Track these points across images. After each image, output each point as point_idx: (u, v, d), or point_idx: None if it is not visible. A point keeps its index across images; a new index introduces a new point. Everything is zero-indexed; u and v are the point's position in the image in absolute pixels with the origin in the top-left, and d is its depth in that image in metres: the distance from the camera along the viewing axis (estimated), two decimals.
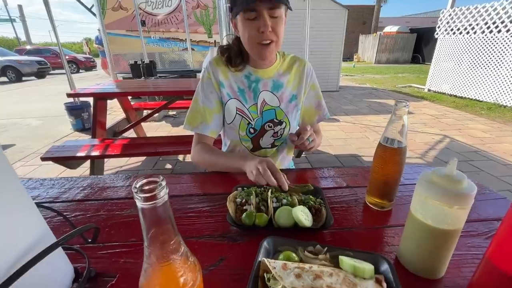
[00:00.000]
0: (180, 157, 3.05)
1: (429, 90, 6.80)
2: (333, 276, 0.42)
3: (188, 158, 3.01)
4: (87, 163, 2.31)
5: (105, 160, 2.64)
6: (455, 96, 6.06)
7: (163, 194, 0.26)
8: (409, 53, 15.58)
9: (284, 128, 0.99)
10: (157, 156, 2.98)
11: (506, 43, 4.99)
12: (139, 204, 0.26)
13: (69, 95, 2.30)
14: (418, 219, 0.45)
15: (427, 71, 6.97)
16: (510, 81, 4.93)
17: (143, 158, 2.97)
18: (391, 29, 16.86)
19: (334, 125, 4.20)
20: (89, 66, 15.55)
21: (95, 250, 0.54)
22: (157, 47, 5.84)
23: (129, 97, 3.18)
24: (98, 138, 2.37)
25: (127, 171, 2.74)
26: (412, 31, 15.81)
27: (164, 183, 0.27)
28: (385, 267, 0.47)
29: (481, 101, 5.46)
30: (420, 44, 15.12)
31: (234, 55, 0.91)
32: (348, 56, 17.37)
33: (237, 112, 0.95)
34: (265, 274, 0.45)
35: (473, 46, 5.64)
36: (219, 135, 1.04)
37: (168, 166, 2.86)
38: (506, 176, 2.53)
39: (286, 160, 1.09)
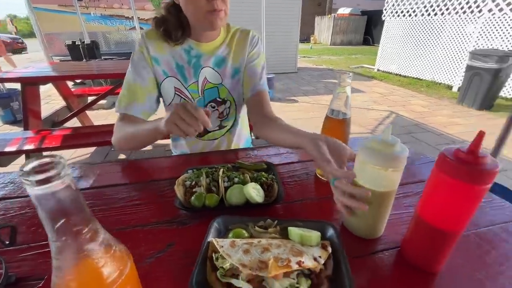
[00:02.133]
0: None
1: (378, 70, 7.29)
2: (281, 247, 0.42)
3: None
4: (22, 159, 2.03)
5: (45, 154, 2.35)
6: (400, 75, 6.59)
7: (63, 174, 0.22)
8: (361, 35, 16.36)
9: (229, 108, 0.92)
10: (108, 147, 2.74)
11: (442, 26, 5.50)
12: (33, 191, 0.21)
13: None
14: (359, 184, 0.47)
15: (377, 52, 7.42)
16: (444, 60, 5.50)
17: (91, 149, 2.71)
18: (344, 11, 17.41)
19: (294, 106, 4.29)
20: (17, 48, 13.38)
21: (16, 253, 0.47)
22: (99, 25, 5.22)
23: (71, 83, 2.83)
24: (32, 129, 2.08)
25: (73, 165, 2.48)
26: (363, 13, 16.55)
27: (62, 161, 0.22)
28: (331, 232, 0.48)
29: (422, 79, 6.03)
30: (370, 26, 15.95)
31: (173, 28, 0.79)
32: (306, 37, 17.61)
33: (176, 92, 0.86)
34: (213, 254, 0.44)
35: (415, 28, 6.10)
36: None
37: (122, 156, 2.66)
38: (440, 145, 2.88)
39: (242, 138, 1.05)
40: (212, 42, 0.85)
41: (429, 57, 5.82)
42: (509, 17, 4.27)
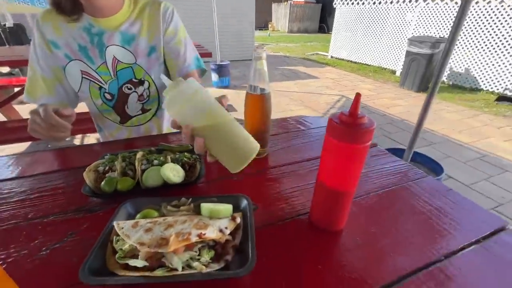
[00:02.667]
0: (78, 138, 2.61)
1: (331, 57, 7.60)
2: (187, 222, 0.42)
3: (91, 138, 2.61)
4: None
5: None
6: (351, 61, 6.97)
7: None
8: (316, 23, 16.82)
9: (148, 88, 0.85)
10: (43, 143, 2.46)
11: (386, 14, 5.89)
12: None
13: None
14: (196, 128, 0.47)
15: (330, 40, 7.72)
16: (388, 47, 5.94)
17: (23, 147, 2.41)
18: None
19: None
20: None
21: None
22: (26, 6, 4.55)
23: None
24: None
25: None
26: (318, 1, 16.97)
27: None
28: (244, 204, 0.49)
29: (370, 65, 6.45)
30: (325, 14, 16.46)
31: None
32: (264, 25, 17.56)
33: (83, 75, 0.78)
34: (114, 237, 0.41)
35: (363, 16, 6.45)
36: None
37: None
38: (382, 124, 3.14)
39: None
40: (113, 17, 0.76)
41: (376, 44, 6.23)
42: (440, 7, 4.73)
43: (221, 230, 0.42)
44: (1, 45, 3.13)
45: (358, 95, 0.36)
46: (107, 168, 0.57)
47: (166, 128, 0.96)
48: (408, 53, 4.43)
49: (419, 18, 5.18)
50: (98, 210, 0.51)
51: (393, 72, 5.77)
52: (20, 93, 2.23)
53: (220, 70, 4.33)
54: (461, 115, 3.46)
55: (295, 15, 16.05)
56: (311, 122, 0.94)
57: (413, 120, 3.05)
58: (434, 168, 1.78)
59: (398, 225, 0.49)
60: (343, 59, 7.24)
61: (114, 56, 0.78)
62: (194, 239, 0.38)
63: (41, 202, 0.53)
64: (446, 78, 4.92)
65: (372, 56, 6.41)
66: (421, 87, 4.44)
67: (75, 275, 0.39)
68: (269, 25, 17.53)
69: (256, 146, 0.49)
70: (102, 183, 0.53)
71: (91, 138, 2.64)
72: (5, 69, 4.07)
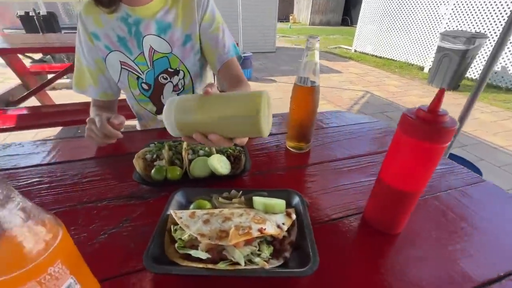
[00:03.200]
0: None
1: (355, 51, 7.34)
2: (243, 215, 0.41)
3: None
4: None
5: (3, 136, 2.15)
6: (376, 56, 6.70)
7: None
8: (340, 15, 16.26)
9: (183, 79, 0.85)
10: (74, 127, 2.56)
11: (416, 7, 5.57)
12: None
13: None
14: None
15: (354, 33, 7.44)
16: (417, 42, 5.64)
17: (55, 131, 2.52)
18: None
19: (272, 85, 4.23)
20: None
21: None
22: None
23: (28, 61, 2.54)
24: None
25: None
26: None
27: None
28: (296, 200, 0.47)
29: (396, 60, 6.18)
30: (349, 7, 15.86)
31: None
32: (285, 17, 17.20)
33: (122, 66, 0.79)
34: (172, 226, 0.41)
35: (391, 9, 6.14)
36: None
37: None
38: None
39: None
40: (148, 5, 0.75)
41: (404, 38, 5.94)
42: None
43: (278, 226, 0.40)
44: (35, 32, 3.25)
45: (441, 91, 0.33)
46: (154, 156, 0.58)
47: None
48: (439, 49, 4.18)
49: (453, 11, 4.87)
50: (148, 197, 0.51)
51: (421, 68, 5.49)
52: (53, 80, 2.31)
53: (243, 62, 4.30)
54: (496, 116, 3.25)
55: (318, 7, 15.59)
56: (349, 118, 0.91)
57: None
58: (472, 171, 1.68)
59: (461, 231, 0.46)
60: (367, 54, 6.97)
61: (151, 46, 0.78)
62: (255, 234, 0.37)
63: (93, 186, 0.54)
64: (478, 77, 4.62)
65: (399, 51, 6.12)
66: (451, 85, 4.20)
67: (135, 260, 0.39)
68: (290, 17, 17.16)
69: (260, 91, 0.41)
70: (153, 171, 0.53)
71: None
72: (37, 56, 4.25)
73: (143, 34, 0.76)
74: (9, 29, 4.51)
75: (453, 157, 1.73)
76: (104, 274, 0.37)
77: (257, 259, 0.36)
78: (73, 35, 3.02)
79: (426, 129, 0.34)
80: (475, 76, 4.68)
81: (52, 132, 2.51)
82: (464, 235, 0.45)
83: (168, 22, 0.78)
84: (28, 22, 3.25)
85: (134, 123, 1.02)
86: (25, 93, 2.27)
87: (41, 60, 4.17)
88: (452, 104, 3.55)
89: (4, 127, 1.58)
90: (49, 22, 3.29)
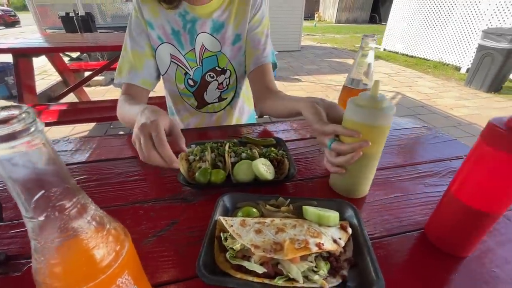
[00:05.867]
0: None
1: (384, 49, 7.03)
2: (297, 227, 0.38)
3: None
4: None
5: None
6: (407, 55, 6.36)
7: (33, 130, 0.16)
8: (367, 13, 15.66)
9: (229, 78, 0.85)
10: (107, 123, 2.68)
11: (453, 4, 5.22)
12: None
13: None
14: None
15: (383, 31, 7.12)
16: (453, 41, 5.28)
17: (89, 126, 2.65)
18: None
19: (296, 85, 4.17)
20: (10, 21, 12.84)
21: (5, 230, 0.43)
22: None
23: (66, 59, 2.70)
24: (27, 104, 2.01)
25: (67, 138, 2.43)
26: None
27: (31, 112, 0.16)
28: (349, 213, 0.44)
29: (429, 60, 5.83)
30: (377, 3, 15.24)
31: None
32: (310, 15, 16.88)
33: (172, 59, 0.79)
34: (221, 234, 0.40)
35: (425, 6, 5.80)
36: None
37: (121, 133, 2.60)
38: (446, 127, 2.82)
39: (245, 113, 0.99)
40: (208, 5, 0.75)
41: (438, 36, 5.58)
42: None
43: (335, 241, 0.38)
44: (73, 32, 3.44)
45: None
46: (197, 157, 0.57)
47: (236, 119, 0.95)
48: (480, 47, 3.88)
49: (497, 8, 4.48)
50: (192, 200, 0.51)
51: (457, 68, 5.13)
52: (90, 77, 2.43)
53: None
54: None
55: (345, 4, 15.13)
56: (395, 122, 0.85)
57: (483, 124, 2.69)
58: None
59: None
60: (397, 53, 6.65)
61: (203, 44, 0.78)
62: (314, 249, 0.34)
63: (137, 186, 0.55)
64: None
65: (432, 50, 5.77)
66: (492, 87, 3.88)
67: (185, 266, 0.38)
68: (316, 15, 16.82)
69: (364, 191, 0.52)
70: (197, 173, 0.52)
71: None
72: (74, 54, 4.51)
73: (197, 32, 0.77)
74: (50, 29, 4.83)
75: None
76: (155, 279, 0.36)
77: (316, 277, 0.33)
78: (107, 34, 3.17)
79: None
80: None
81: (87, 127, 2.64)
82: None
83: (222, 21, 0.78)
84: (68, 22, 3.45)
85: None
86: (65, 89, 2.41)
87: (78, 58, 4.43)
88: (496, 108, 3.27)
89: (47, 121, 1.68)
90: (87, 22, 3.47)
